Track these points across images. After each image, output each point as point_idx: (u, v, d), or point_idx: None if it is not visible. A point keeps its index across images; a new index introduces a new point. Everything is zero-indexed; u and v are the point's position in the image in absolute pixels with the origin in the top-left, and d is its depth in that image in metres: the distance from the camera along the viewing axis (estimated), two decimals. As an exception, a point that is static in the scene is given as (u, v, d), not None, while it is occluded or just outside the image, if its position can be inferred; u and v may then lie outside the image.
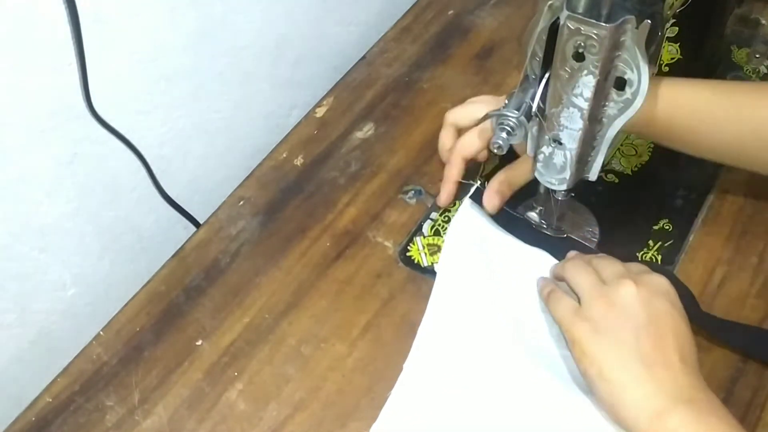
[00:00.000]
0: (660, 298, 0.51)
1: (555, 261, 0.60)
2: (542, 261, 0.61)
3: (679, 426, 0.46)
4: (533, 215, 0.63)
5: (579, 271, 0.55)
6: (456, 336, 0.58)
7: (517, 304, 0.59)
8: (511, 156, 0.61)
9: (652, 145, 0.69)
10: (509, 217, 0.63)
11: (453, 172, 0.64)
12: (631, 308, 0.50)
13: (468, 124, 0.63)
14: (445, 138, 0.66)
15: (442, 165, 0.70)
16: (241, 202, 0.69)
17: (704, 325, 0.56)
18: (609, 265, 0.54)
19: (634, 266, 0.55)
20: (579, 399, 0.53)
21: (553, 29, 0.48)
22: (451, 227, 0.62)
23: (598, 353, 0.50)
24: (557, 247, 0.61)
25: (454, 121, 0.65)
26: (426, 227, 0.66)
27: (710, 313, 0.57)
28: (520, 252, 0.61)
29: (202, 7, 0.66)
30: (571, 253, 0.60)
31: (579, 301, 0.53)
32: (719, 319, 0.57)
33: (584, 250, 0.61)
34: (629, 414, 0.48)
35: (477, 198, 0.63)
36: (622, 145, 0.69)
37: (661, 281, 0.52)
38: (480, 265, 0.60)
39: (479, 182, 0.64)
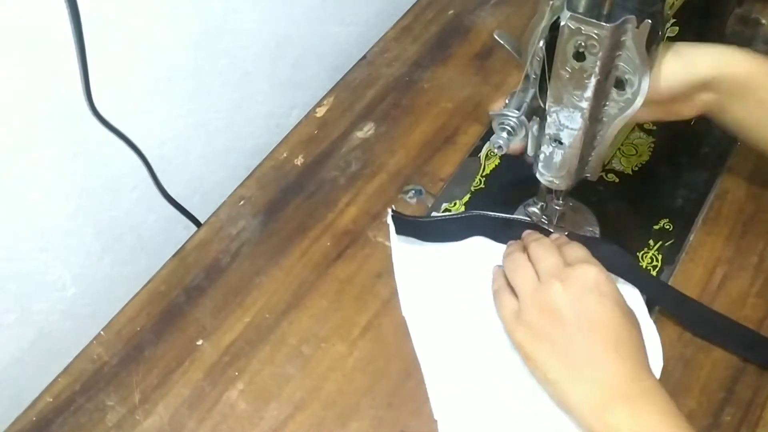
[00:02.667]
0: (588, 292, 0.52)
1: (496, 245, 0.62)
2: (488, 249, 0.62)
3: (617, 423, 0.48)
4: (534, 212, 0.63)
5: (516, 268, 0.56)
6: (451, 344, 0.58)
7: (484, 300, 0.60)
8: (511, 156, 0.61)
9: (652, 145, 0.69)
10: (509, 219, 0.63)
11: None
12: (561, 309, 0.51)
13: None
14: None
15: (442, 164, 0.70)
16: (242, 202, 0.69)
17: (652, 295, 0.58)
18: (544, 257, 0.55)
19: (571, 252, 0.55)
20: None
21: (554, 29, 0.48)
22: (396, 268, 0.62)
23: (538, 357, 0.52)
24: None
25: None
26: (426, 227, 0.66)
27: (664, 283, 0.58)
28: (467, 251, 0.63)
29: (202, 7, 0.66)
30: (526, 233, 0.61)
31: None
32: (667, 287, 0.59)
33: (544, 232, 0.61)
34: (575, 412, 0.50)
35: (401, 225, 0.63)
36: (622, 144, 0.69)
37: (589, 273, 0.52)
38: (438, 283, 0.61)
39: (391, 209, 0.64)
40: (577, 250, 0.56)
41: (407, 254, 0.62)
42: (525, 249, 0.58)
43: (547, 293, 0.52)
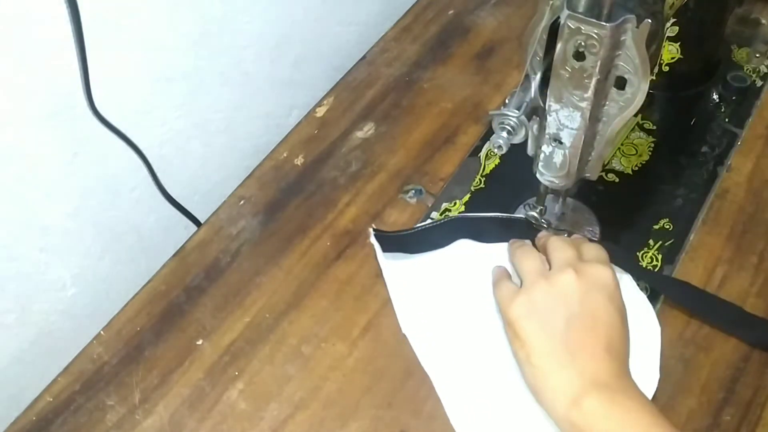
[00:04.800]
0: (598, 290, 0.52)
1: (482, 245, 0.63)
2: (475, 251, 0.62)
3: (593, 409, 0.48)
4: (533, 215, 0.63)
5: (525, 256, 0.56)
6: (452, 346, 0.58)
7: (480, 300, 0.60)
8: (511, 155, 0.61)
9: (652, 145, 0.69)
10: (509, 218, 0.63)
11: None
12: (567, 296, 0.51)
13: None
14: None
15: (442, 164, 0.70)
16: (242, 202, 0.69)
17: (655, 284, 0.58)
18: (562, 249, 0.55)
19: (588, 251, 0.56)
20: None
21: (554, 29, 0.48)
22: (389, 286, 0.61)
23: (528, 337, 0.52)
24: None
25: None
26: (426, 227, 0.66)
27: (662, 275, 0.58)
28: (454, 256, 0.63)
29: (202, 7, 0.66)
30: (543, 233, 0.61)
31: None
32: (668, 278, 0.59)
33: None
34: (549, 399, 0.50)
35: (385, 242, 0.62)
36: (622, 144, 0.69)
37: (603, 274, 0.53)
38: (432, 293, 0.61)
39: (372, 228, 0.63)
40: (594, 250, 0.56)
41: (397, 271, 0.62)
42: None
43: (559, 278, 0.52)
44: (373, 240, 0.62)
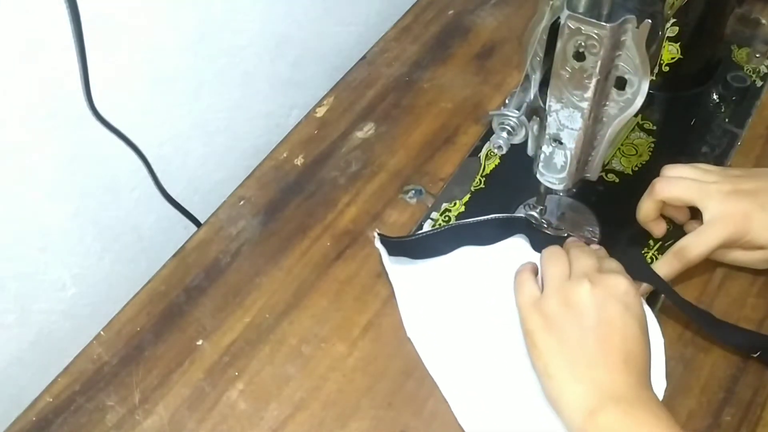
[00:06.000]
0: (614, 300, 0.51)
1: (485, 248, 0.62)
2: (479, 255, 0.62)
3: (610, 422, 0.47)
4: (533, 215, 0.63)
5: (552, 260, 0.56)
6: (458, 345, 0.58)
7: (486, 303, 0.60)
8: (511, 155, 0.61)
9: (652, 145, 0.69)
10: (509, 218, 0.63)
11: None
12: (583, 308, 0.51)
13: (677, 203, 0.60)
14: (650, 211, 0.61)
15: (442, 164, 0.70)
16: (242, 202, 0.69)
17: (680, 306, 0.57)
18: (581, 258, 0.55)
19: (607, 263, 0.56)
20: None
21: (554, 29, 0.48)
22: (396, 290, 0.61)
23: (545, 349, 0.52)
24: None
25: (663, 198, 0.60)
26: (426, 227, 0.65)
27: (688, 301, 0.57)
28: (458, 262, 0.63)
29: (202, 7, 0.66)
30: (570, 240, 0.61)
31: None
32: (691, 305, 0.58)
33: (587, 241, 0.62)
34: (567, 411, 0.50)
35: (391, 246, 0.62)
36: (622, 144, 0.69)
37: (620, 283, 0.52)
38: (438, 297, 0.61)
39: (377, 232, 0.63)
40: (613, 263, 0.56)
41: (403, 275, 0.62)
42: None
43: (574, 289, 0.52)
44: (378, 244, 0.62)
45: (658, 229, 0.62)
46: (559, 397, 0.51)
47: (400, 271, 0.62)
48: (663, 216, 0.62)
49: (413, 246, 0.63)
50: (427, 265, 0.63)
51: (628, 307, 0.51)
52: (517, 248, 0.63)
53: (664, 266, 0.58)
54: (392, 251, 0.62)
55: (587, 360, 0.50)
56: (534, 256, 0.60)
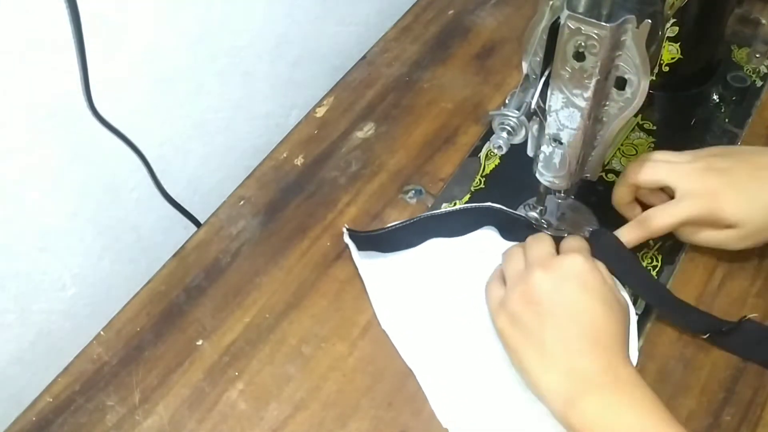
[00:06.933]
0: (567, 281, 0.51)
1: (455, 240, 0.63)
2: (448, 246, 0.63)
3: (590, 410, 0.48)
4: (533, 215, 0.63)
5: (509, 257, 0.57)
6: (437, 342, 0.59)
7: (456, 294, 0.60)
8: (511, 155, 0.61)
9: (652, 145, 0.69)
10: (509, 217, 0.63)
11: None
12: (537, 297, 0.51)
13: (650, 187, 0.60)
14: (624, 194, 0.61)
15: (442, 164, 0.70)
16: (242, 202, 0.69)
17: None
18: (533, 248, 0.55)
19: (566, 243, 0.56)
20: None
21: (554, 29, 0.48)
22: (366, 283, 0.62)
23: (516, 345, 0.52)
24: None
25: (636, 182, 0.59)
26: (426, 227, 0.66)
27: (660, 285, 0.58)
28: (427, 254, 0.63)
29: (202, 7, 0.66)
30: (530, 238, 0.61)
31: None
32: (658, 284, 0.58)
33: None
34: (547, 402, 0.50)
35: (360, 241, 0.62)
36: (622, 144, 0.69)
37: (575, 262, 0.52)
38: (408, 290, 0.61)
39: (345, 228, 0.63)
40: (572, 242, 0.56)
41: (373, 269, 0.62)
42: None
43: (528, 280, 0.52)
44: (347, 239, 0.62)
45: (633, 214, 0.61)
46: (537, 388, 0.51)
47: (370, 265, 0.62)
48: (641, 203, 0.62)
49: (382, 239, 0.63)
50: (397, 258, 0.63)
51: (586, 284, 0.51)
52: (486, 238, 0.63)
53: (627, 232, 0.58)
54: (361, 246, 0.62)
55: (554, 347, 0.50)
56: (504, 246, 0.61)
